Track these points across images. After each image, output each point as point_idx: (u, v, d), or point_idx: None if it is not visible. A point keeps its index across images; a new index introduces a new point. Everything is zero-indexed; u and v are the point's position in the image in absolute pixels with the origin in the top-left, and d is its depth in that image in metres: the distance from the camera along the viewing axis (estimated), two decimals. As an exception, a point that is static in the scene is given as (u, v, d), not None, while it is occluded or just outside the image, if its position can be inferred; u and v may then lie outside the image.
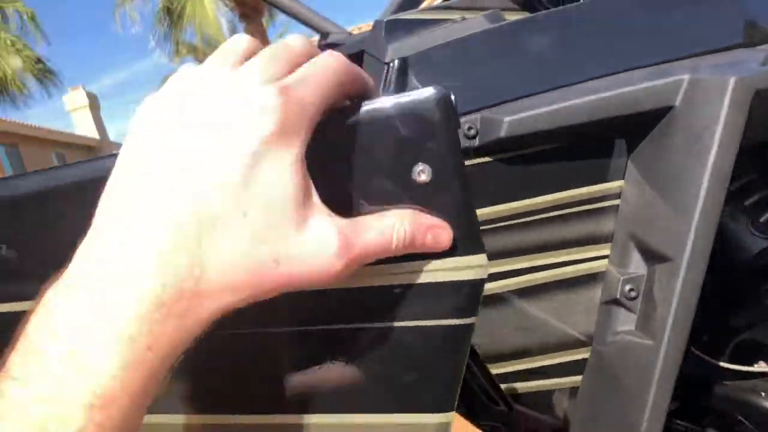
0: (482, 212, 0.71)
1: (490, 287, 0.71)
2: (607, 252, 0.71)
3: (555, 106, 0.68)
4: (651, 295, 0.67)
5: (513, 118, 0.68)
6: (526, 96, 0.71)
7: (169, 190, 0.36)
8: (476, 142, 0.69)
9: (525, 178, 0.71)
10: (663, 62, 0.70)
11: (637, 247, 0.69)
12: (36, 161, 18.09)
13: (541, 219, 0.71)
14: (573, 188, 0.71)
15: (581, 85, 0.69)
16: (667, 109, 0.67)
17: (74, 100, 23.14)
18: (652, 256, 0.67)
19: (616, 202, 0.71)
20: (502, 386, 0.73)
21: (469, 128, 0.69)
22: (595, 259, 0.72)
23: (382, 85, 0.72)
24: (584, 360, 0.72)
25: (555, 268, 0.72)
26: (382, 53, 0.74)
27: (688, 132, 0.65)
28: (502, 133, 0.68)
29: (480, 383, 0.75)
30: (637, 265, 0.69)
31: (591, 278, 0.72)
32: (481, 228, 0.70)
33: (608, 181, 0.72)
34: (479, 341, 0.72)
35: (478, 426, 0.81)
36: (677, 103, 0.66)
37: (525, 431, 0.76)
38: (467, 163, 0.70)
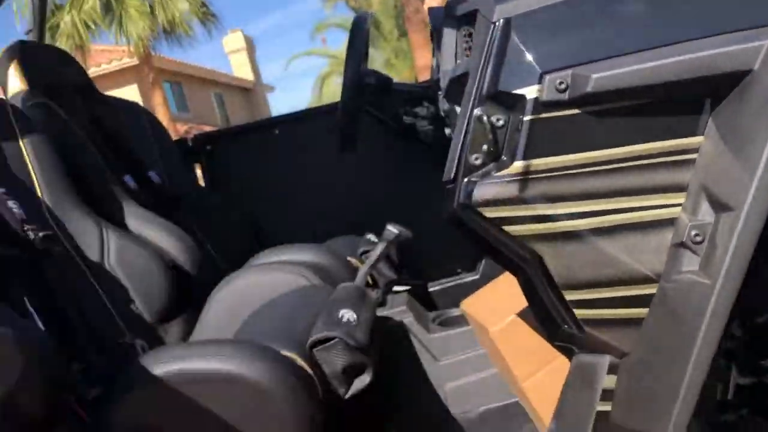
0: (568, 158, 0.80)
1: (570, 224, 0.81)
2: (681, 200, 0.79)
3: (641, 66, 0.76)
4: (714, 240, 0.75)
5: (600, 75, 0.77)
6: (617, 56, 0.78)
7: None
8: (566, 96, 0.79)
9: (611, 130, 0.79)
10: (749, 29, 0.75)
11: (707, 197, 0.76)
12: (197, 99, 19.40)
13: (623, 167, 0.80)
14: (655, 141, 0.79)
15: (667, 48, 0.76)
16: (746, 72, 0.73)
17: (232, 42, 24.41)
18: (718, 206, 0.74)
19: (695, 155, 0.78)
20: (576, 312, 0.84)
21: (560, 83, 0.78)
22: (669, 206, 0.79)
23: (486, 43, 0.83)
24: (650, 295, 0.80)
25: (632, 211, 0.80)
26: (490, 13, 0.84)
27: (762, 94, 0.71)
28: (590, 89, 0.77)
29: (556, 308, 0.85)
30: (705, 213, 0.76)
31: (664, 223, 0.80)
32: (566, 173, 0.80)
33: (690, 136, 0.78)
34: (556, 270, 0.82)
35: (553, 345, 0.92)
36: (756, 66, 0.72)
37: (593, 353, 0.87)
38: (557, 114, 0.79)
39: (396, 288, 1.60)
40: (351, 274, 1.53)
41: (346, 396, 1.06)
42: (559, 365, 1.10)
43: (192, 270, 1.54)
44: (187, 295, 1.49)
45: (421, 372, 1.40)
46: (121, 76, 15.49)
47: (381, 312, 1.44)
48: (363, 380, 1.07)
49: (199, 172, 2.25)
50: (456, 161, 0.86)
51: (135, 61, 14.91)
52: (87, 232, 1.39)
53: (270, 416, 0.94)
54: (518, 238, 0.83)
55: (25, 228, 1.24)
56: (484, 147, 0.83)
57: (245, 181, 2.19)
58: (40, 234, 1.25)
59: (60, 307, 1.25)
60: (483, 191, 0.83)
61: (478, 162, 0.84)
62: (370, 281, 1.57)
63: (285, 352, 1.00)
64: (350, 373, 1.06)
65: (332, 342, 1.04)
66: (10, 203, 1.25)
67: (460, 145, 0.85)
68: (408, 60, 17.53)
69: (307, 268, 1.41)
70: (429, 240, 1.88)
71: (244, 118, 18.34)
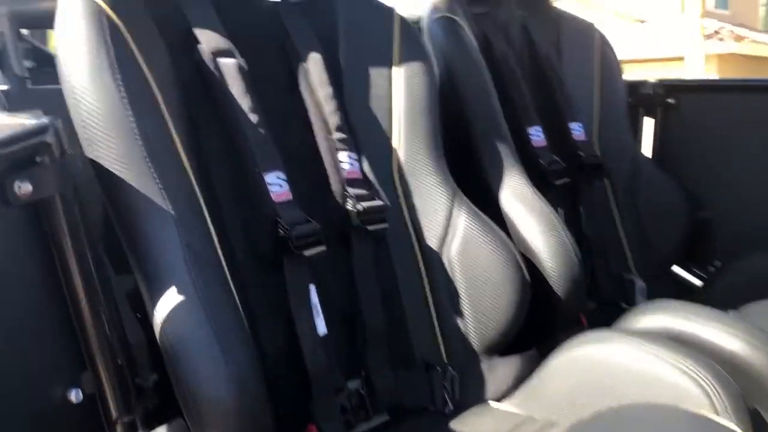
0: None
1: None
2: None
3: None
4: None
5: None
6: None
7: None
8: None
9: None
10: None
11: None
12: None
13: None
14: None
15: None
16: None
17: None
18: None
19: None
20: None
21: None
22: None
23: None
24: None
25: None
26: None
27: None
28: None
29: None
30: None
31: None
32: None
33: None
34: None
35: None
36: None
37: None
38: None
39: None
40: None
41: None
42: None
43: (561, 286, 1.11)
44: (542, 320, 1.08)
45: None
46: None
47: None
48: None
49: (647, 131, 1.68)
50: None
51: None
52: (432, 207, 1.05)
53: None
54: None
55: (347, 191, 0.96)
56: None
57: (705, 155, 1.57)
58: (363, 205, 0.95)
59: (355, 293, 0.95)
60: None
61: None
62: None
63: None
64: None
65: None
66: (342, 155, 0.97)
67: None
68: None
69: (708, 368, 0.83)
70: None
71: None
